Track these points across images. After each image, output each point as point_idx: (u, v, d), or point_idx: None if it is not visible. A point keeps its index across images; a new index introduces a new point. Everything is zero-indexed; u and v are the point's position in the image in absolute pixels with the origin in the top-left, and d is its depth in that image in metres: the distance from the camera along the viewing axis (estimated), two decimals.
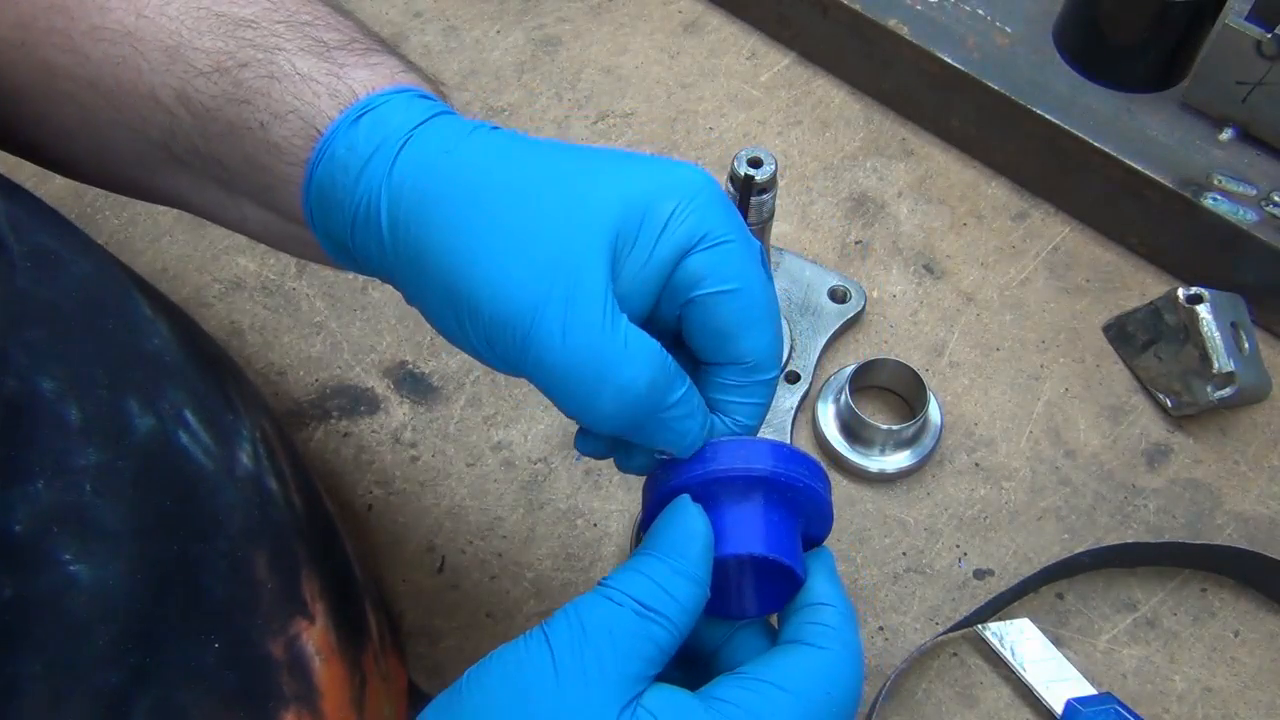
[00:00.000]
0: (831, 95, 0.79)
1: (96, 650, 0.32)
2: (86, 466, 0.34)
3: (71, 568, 0.32)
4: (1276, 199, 0.65)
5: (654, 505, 0.41)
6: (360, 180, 0.39)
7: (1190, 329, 0.62)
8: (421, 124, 0.40)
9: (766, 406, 0.43)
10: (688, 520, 0.39)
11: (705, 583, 0.38)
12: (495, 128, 0.41)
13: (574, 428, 0.64)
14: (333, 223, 0.41)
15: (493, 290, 0.37)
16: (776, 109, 0.78)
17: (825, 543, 0.44)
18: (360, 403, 0.65)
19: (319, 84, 0.41)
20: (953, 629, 0.56)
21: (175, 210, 0.72)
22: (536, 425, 0.65)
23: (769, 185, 0.60)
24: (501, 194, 0.38)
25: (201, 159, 0.43)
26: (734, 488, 0.40)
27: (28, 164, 0.51)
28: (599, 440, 0.43)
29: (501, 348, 0.38)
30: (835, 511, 0.43)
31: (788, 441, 0.46)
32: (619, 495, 0.62)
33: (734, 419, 0.42)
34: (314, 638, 0.42)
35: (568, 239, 0.37)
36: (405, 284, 0.40)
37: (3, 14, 0.45)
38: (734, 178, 0.60)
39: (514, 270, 0.37)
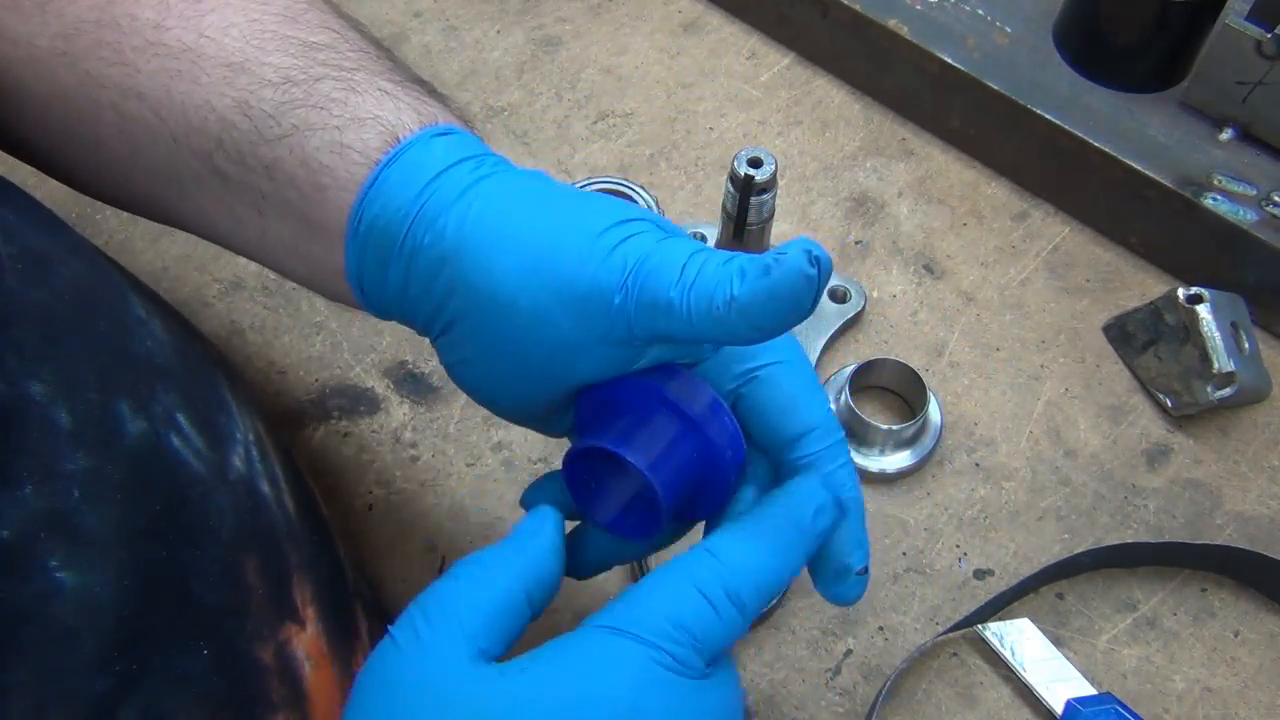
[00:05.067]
0: (831, 95, 0.79)
1: (83, 657, 0.32)
2: (76, 471, 0.34)
3: (58, 574, 0.32)
4: (1276, 199, 0.64)
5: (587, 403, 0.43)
6: (442, 178, 0.41)
7: (1190, 329, 0.62)
8: (500, 160, 0.43)
9: (854, 468, 0.45)
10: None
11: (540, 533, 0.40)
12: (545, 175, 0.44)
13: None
14: (389, 215, 0.41)
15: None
16: (776, 109, 0.78)
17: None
18: (360, 403, 0.65)
19: (403, 102, 0.43)
20: (953, 629, 0.56)
21: None
22: None
23: (769, 185, 0.60)
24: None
25: (246, 167, 0.43)
26: (664, 410, 0.41)
27: (26, 164, 0.51)
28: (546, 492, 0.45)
29: (635, 303, 0.39)
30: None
31: None
32: None
33: (840, 489, 0.43)
34: (304, 643, 0.42)
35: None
36: (464, 283, 0.40)
37: (45, 25, 0.45)
38: (734, 178, 0.60)
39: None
